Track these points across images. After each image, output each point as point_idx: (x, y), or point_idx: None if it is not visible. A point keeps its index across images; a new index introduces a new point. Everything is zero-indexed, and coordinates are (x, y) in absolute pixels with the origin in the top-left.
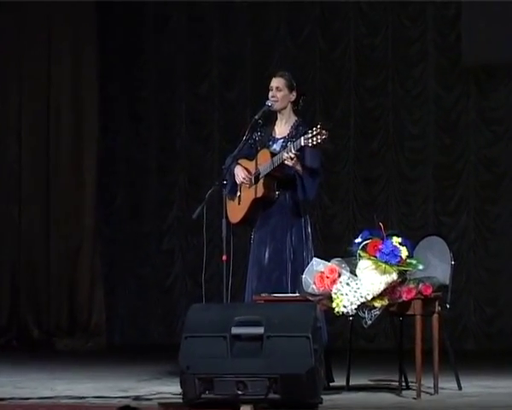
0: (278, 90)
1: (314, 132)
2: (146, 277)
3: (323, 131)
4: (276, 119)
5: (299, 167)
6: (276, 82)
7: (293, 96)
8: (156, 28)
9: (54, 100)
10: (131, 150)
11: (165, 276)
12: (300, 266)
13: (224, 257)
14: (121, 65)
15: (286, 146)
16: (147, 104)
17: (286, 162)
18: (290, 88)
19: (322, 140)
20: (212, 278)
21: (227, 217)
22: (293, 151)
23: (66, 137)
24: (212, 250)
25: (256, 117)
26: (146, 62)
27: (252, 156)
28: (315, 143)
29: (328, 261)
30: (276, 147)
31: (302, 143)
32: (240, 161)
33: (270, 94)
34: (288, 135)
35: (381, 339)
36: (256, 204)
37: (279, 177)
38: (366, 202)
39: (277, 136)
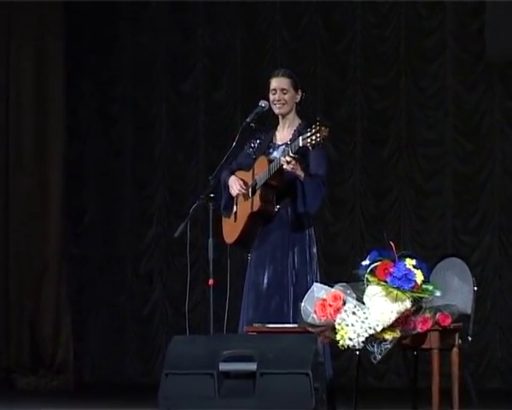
0: (284, 93)
1: (313, 131)
2: (120, 305)
3: (323, 128)
4: (278, 123)
5: (299, 172)
6: (280, 83)
7: (299, 96)
8: (132, 16)
9: (14, 101)
10: (103, 158)
11: (142, 304)
12: (304, 292)
13: (211, 281)
14: (92, 59)
15: (285, 147)
16: (121, 104)
17: (284, 167)
18: (296, 88)
19: (323, 138)
20: (196, 306)
21: (222, 237)
22: (291, 153)
23: (28, 143)
24: (196, 274)
25: (248, 120)
26: (120, 56)
27: (248, 166)
28: (314, 142)
29: (332, 287)
30: (277, 154)
31: (300, 144)
32: (237, 172)
33: (275, 98)
34: (291, 140)
35: (392, 376)
36: (253, 220)
37: (278, 187)
38: (375, 218)
39: (278, 142)
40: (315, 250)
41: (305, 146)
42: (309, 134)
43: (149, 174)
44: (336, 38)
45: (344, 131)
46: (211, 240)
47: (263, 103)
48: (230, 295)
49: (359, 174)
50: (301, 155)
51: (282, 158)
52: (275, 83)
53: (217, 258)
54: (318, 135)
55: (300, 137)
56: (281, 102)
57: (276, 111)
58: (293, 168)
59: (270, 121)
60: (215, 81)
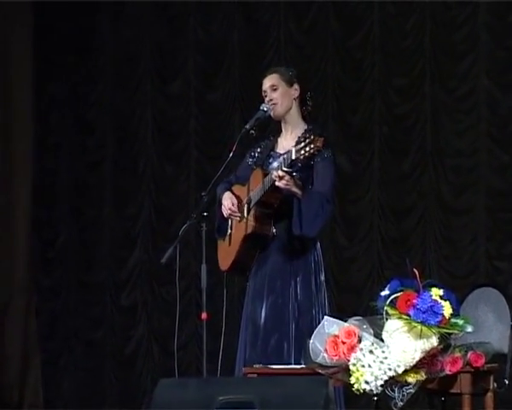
0: (274, 90)
1: (307, 141)
2: (98, 342)
3: (316, 138)
4: (280, 129)
5: (295, 189)
6: (268, 81)
7: (295, 90)
8: (112, 8)
9: None
10: (78, 171)
11: (124, 341)
12: (308, 328)
13: (204, 315)
14: (65, 58)
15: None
16: (99, 109)
17: (277, 183)
18: (289, 82)
19: (316, 149)
20: (187, 343)
21: (217, 263)
22: (283, 167)
23: None
24: (187, 306)
25: (247, 127)
26: (98, 54)
27: (247, 180)
28: (307, 154)
29: (345, 321)
30: (276, 165)
31: (293, 156)
32: (233, 187)
33: (266, 100)
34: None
35: None
36: (248, 243)
37: (275, 205)
38: (395, 241)
39: (280, 150)
40: (323, 278)
41: (298, 159)
42: (302, 145)
43: (132, 189)
44: (350, 31)
45: (359, 139)
46: (204, 266)
47: (265, 107)
48: (227, 330)
49: (377, 190)
50: (304, 167)
51: (274, 172)
52: (264, 83)
53: (211, 287)
54: (312, 146)
55: (293, 149)
56: (272, 102)
57: (272, 114)
58: (286, 185)
59: (272, 129)
60: (209, 81)
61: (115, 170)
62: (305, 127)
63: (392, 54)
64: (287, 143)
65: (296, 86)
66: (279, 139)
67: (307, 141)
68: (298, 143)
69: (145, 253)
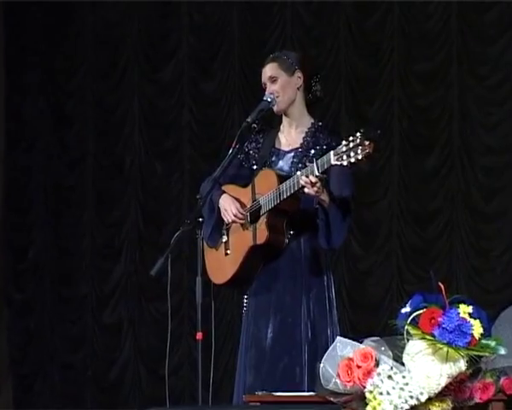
0: (273, 81)
1: (351, 145)
2: (78, 365)
3: (367, 143)
4: (280, 123)
5: (324, 197)
6: (266, 71)
7: (298, 79)
8: None
9: None
10: (55, 171)
11: (107, 364)
12: (324, 351)
13: (200, 334)
14: (40, 44)
15: (299, 164)
16: (79, 100)
17: (306, 191)
18: (289, 70)
19: (365, 156)
20: (180, 367)
21: (206, 275)
22: (316, 172)
23: None
24: (180, 324)
25: (249, 120)
26: (78, 39)
27: (242, 180)
28: (353, 160)
29: (360, 342)
30: (284, 165)
31: (332, 162)
32: (225, 188)
33: (266, 92)
34: (303, 146)
35: None
36: (254, 255)
37: (290, 213)
38: (418, 251)
39: (283, 147)
40: (334, 294)
41: (338, 165)
42: (345, 149)
43: (117, 191)
44: (366, 11)
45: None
46: (199, 279)
47: (269, 98)
48: (224, 351)
49: (397, 192)
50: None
51: (304, 178)
52: (262, 74)
53: (207, 303)
54: (359, 151)
55: (332, 153)
56: (274, 95)
57: (274, 108)
58: (317, 192)
59: (277, 122)
60: (204, 68)
61: (97, 169)
62: (311, 121)
63: (413, 36)
64: (291, 138)
65: (299, 74)
66: (279, 134)
67: (352, 145)
68: (338, 144)
69: (131, 264)
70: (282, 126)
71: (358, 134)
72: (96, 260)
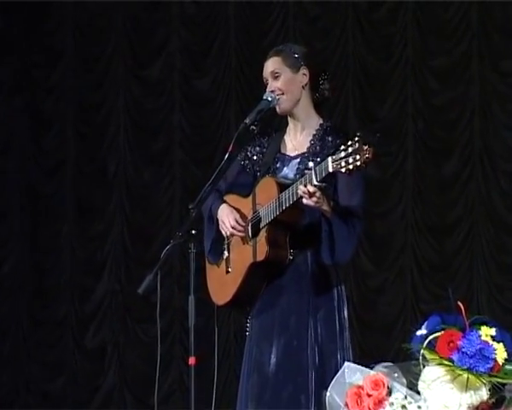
0: (275, 77)
1: (349, 150)
2: (57, 394)
3: (366, 148)
4: (287, 125)
5: (325, 207)
6: (268, 66)
7: (303, 76)
8: None
9: None
10: (32, 178)
11: (90, 392)
12: (332, 378)
13: (192, 359)
14: (14, 34)
15: (305, 170)
16: (58, 99)
17: (305, 202)
18: (294, 66)
19: (364, 162)
20: (171, 395)
21: (208, 294)
22: (314, 181)
23: None
24: (171, 348)
25: (247, 121)
26: (56, 29)
27: (246, 188)
28: (351, 167)
29: (371, 368)
30: (289, 172)
31: (330, 169)
32: (227, 198)
33: (268, 89)
34: (310, 150)
35: None
36: (255, 273)
37: (294, 225)
38: (434, 267)
39: (289, 152)
40: (346, 314)
41: (336, 172)
42: (343, 155)
43: (100, 201)
44: (377, 1)
45: (388, 137)
46: (192, 298)
47: (269, 96)
48: (220, 377)
49: (411, 201)
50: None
51: (301, 187)
52: (264, 69)
53: (201, 324)
54: (357, 157)
55: (330, 159)
56: (276, 93)
57: (277, 109)
58: (316, 203)
59: (279, 124)
60: (197, 63)
61: (78, 175)
62: (320, 121)
63: (429, 28)
64: (297, 142)
65: (304, 70)
66: (285, 137)
67: (350, 150)
68: (336, 149)
69: (116, 281)
70: (288, 129)
71: (356, 138)
72: (76, 276)
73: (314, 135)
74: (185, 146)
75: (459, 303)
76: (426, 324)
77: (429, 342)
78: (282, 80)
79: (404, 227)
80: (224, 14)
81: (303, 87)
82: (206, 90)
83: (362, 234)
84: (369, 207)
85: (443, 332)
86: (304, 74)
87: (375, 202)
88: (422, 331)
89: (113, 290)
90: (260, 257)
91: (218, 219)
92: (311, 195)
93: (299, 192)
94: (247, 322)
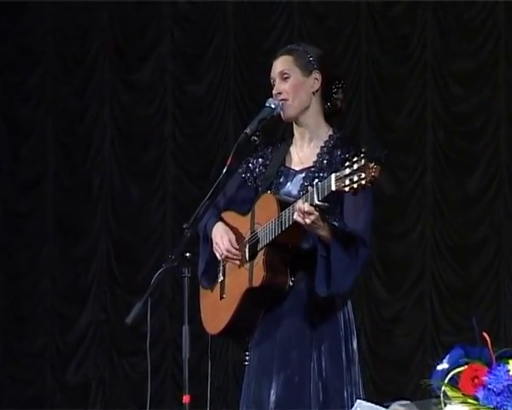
0: (284, 78)
1: (354, 166)
2: None
3: (371, 165)
4: (293, 135)
5: (323, 233)
6: (279, 64)
7: (315, 81)
8: None
9: None
10: (7, 196)
11: None
12: None
13: (186, 398)
14: None
15: (310, 187)
16: (36, 105)
17: (297, 219)
18: (306, 68)
19: (370, 181)
20: None
21: (201, 322)
22: (316, 200)
23: None
24: (162, 384)
25: (247, 131)
26: (35, 29)
27: (246, 205)
28: (356, 186)
29: (386, 407)
30: (293, 188)
31: (333, 187)
32: (225, 215)
33: (274, 90)
34: (316, 165)
35: None
36: (252, 299)
37: (295, 248)
38: (457, 293)
39: (294, 166)
40: (355, 346)
41: (340, 191)
42: (347, 172)
43: (84, 219)
44: None
45: (405, 149)
46: (186, 328)
47: (272, 103)
48: None
49: (431, 220)
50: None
51: (300, 204)
52: (272, 70)
53: (197, 357)
54: (363, 175)
55: (333, 176)
56: (281, 97)
57: (282, 115)
58: (313, 225)
59: (284, 134)
60: (192, 66)
61: (59, 192)
62: (330, 132)
63: (451, 28)
64: (304, 155)
65: (316, 75)
66: (291, 149)
67: (355, 167)
68: (342, 166)
69: (101, 310)
70: (294, 140)
71: (361, 155)
72: (57, 304)
73: (322, 147)
74: (178, 158)
75: (484, 334)
76: (447, 357)
77: (451, 377)
78: (291, 83)
79: (423, 249)
80: (221, 12)
81: (313, 93)
82: (201, 95)
83: (376, 257)
84: (384, 227)
85: (466, 367)
86: (316, 79)
87: (391, 221)
88: (444, 366)
89: (98, 320)
90: (257, 282)
91: (212, 240)
92: (305, 214)
93: (296, 212)
94: (246, 353)
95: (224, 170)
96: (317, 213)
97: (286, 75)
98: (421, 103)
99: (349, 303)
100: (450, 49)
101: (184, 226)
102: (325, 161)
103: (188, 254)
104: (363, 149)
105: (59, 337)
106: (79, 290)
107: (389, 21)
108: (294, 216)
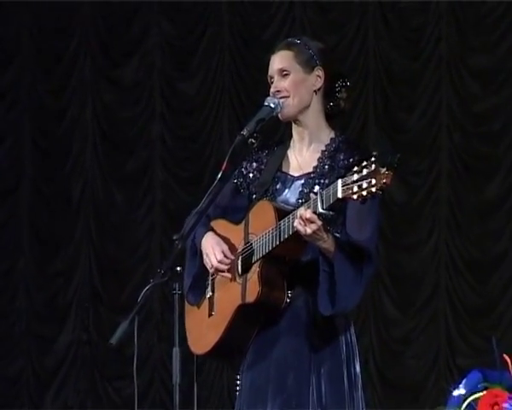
0: (283, 75)
1: (364, 172)
2: None
3: (383, 171)
4: (291, 137)
5: (325, 245)
6: (276, 61)
7: (317, 79)
8: None
9: None
10: None
11: None
12: None
13: None
14: None
15: (310, 194)
16: (11, 107)
17: (298, 227)
18: (307, 65)
19: (381, 188)
20: None
21: (186, 342)
22: (320, 209)
23: None
24: None
25: (244, 133)
26: (9, 21)
27: (238, 213)
28: (365, 194)
29: None
30: (291, 195)
31: (339, 194)
32: (214, 225)
33: (272, 88)
34: (317, 170)
35: None
36: (244, 317)
37: (293, 261)
38: (475, 312)
39: (292, 171)
40: (358, 369)
41: (347, 198)
42: (356, 178)
43: (63, 230)
44: None
45: (418, 153)
46: (177, 350)
47: (271, 102)
48: None
49: (446, 231)
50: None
51: (302, 211)
52: (270, 65)
53: (188, 382)
54: (373, 182)
55: (339, 182)
56: (281, 95)
57: (280, 115)
58: (314, 235)
59: (282, 135)
60: (182, 62)
61: (36, 200)
62: (331, 135)
63: (467, 20)
64: (304, 160)
65: (319, 72)
66: (289, 153)
67: (364, 172)
68: (349, 171)
69: (83, 329)
70: (292, 142)
71: (372, 159)
72: (34, 324)
73: (323, 151)
74: (168, 163)
75: (505, 356)
76: (464, 382)
77: (469, 404)
78: (291, 80)
79: (437, 263)
80: (215, 1)
81: (315, 92)
82: (193, 94)
83: (385, 272)
84: (394, 238)
85: (485, 392)
86: (318, 77)
87: (401, 232)
88: (460, 391)
89: (79, 341)
90: (250, 298)
91: (201, 252)
92: (307, 222)
93: (296, 220)
94: (237, 377)
95: (219, 176)
96: (320, 223)
97: (285, 72)
98: (435, 102)
99: (351, 322)
100: (467, 42)
101: (174, 238)
102: (326, 167)
103: (178, 269)
104: (373, 153)
105: (36, 360)
106: (58, 308)
107: (400, 12)
108: (295, 223)
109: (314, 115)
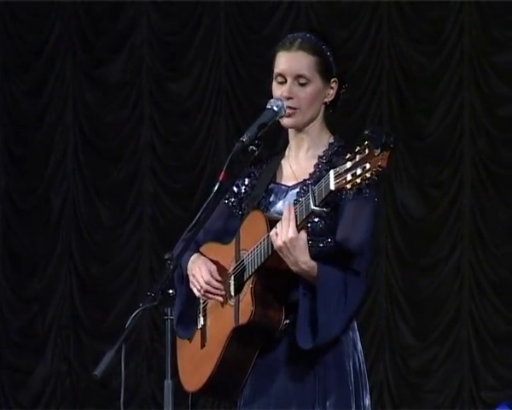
0: (301, 84)
1: (357, 158)
2: None
3: (377, 152)
4: (287, 144)
5: (303, 258)
6: (297, 63)
7: (330, 90)
8: None
9: None
10: None
11: None
12: None
13: None
14: None
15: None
16: None
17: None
18: (327, 74)
19: (377, 173)
20: None
21: (178, 378)
22: (312, 206)
23: None
24: None
25: (244, 139)
26: None
27: (231, 236)
28: (359, 180)
29: None
30: (284, 206)
31: (332, 186)
32: (204, 249)
33: (282, 92)
34: (313, 177)
35: None
36: (239, 343)
37: (290, 276)
38: (500, 338)
39: (286, 181)
40: (368, 403)
41: (341, 189)
42: (349, 166)
43: (41, 248)
44: None
45: (437, 160)
46: (169, 383)
47: (275, 105)
48: None
49: (469, 248)
50: (331, 206)
51: (285, 211)
52: (283, 63)
53: None
54: (367, 166)
55: (331, 173)
56: (293, 104)
57: (284, 120)
58: (287, 251)
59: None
60: (174, 59)
61: (10, 215)
62: (331, 140)
63: (492, 12)
64: (299, 167)
65: (334, 84)
66: (283, 162)
67: (357, 158)
68: (339, 158)
69: (64, 360)
70: (287, 150)
71: (365, 142)
72: (7, 354)
73: (320, 157)
74: (158, 173)
75: None
76: None
77: None
78: (309, 93)
79: (459, 284)
80: None
81: (325, 104)
82: (185, 95)
83: (401, 295)
84: (411, 257)
85: None
86: (332, 89)
87: (419, 250)
88: None
89: (59, 373)
90: (244, 319)
91: (188, 275)
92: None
93: (272, 234)
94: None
95: (215, 188)
96: (300, 236)
97: (304, 81)
98: (456, 104)
99: (359, 348)
100: (492, 37)
101: (166, 257)
102: (324, 172)
103: (171, 292)
104: (365, 132)
105: (10, 395)
106: (35, 336)
107: (416, 3)
108: (271, 233)
109: (317, 124)
